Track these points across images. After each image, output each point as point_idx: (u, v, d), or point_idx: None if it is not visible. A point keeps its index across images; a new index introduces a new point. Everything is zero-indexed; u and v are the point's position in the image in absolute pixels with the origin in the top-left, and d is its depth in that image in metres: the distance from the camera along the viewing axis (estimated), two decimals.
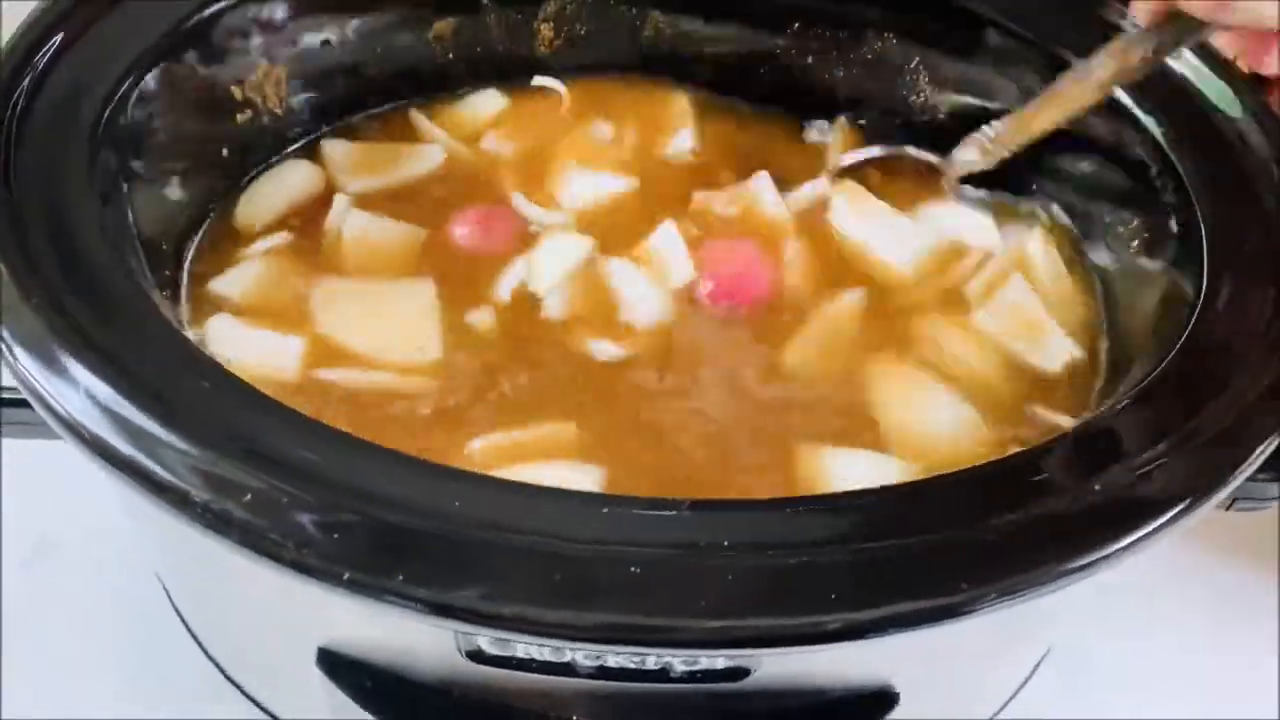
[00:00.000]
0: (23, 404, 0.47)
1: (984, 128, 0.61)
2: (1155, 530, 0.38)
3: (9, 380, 0.46)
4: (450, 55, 0.67)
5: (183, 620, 0.58)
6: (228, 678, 0.56)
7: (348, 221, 0.60)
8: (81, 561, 0.62)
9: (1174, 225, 0.54)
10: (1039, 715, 0.58)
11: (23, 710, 0.56)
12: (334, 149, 0.65)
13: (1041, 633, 0.56)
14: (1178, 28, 0.52)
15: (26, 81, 0.49)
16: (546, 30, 0.69)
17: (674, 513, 0.38)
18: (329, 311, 0.56)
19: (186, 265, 0.57)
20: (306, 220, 0.61)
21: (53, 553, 0.62)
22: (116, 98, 0.51)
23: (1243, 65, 0.56)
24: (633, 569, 0.36)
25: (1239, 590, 0.65)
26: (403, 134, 0.67)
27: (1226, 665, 0.62)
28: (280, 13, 0.61)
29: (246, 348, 0.53)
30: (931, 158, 0.64)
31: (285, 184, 0.62)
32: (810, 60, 0.69)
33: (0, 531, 0.62)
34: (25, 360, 0.39)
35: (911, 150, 0.65)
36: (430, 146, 0.66)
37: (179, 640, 0.57)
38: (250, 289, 0.57)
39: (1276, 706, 0.60)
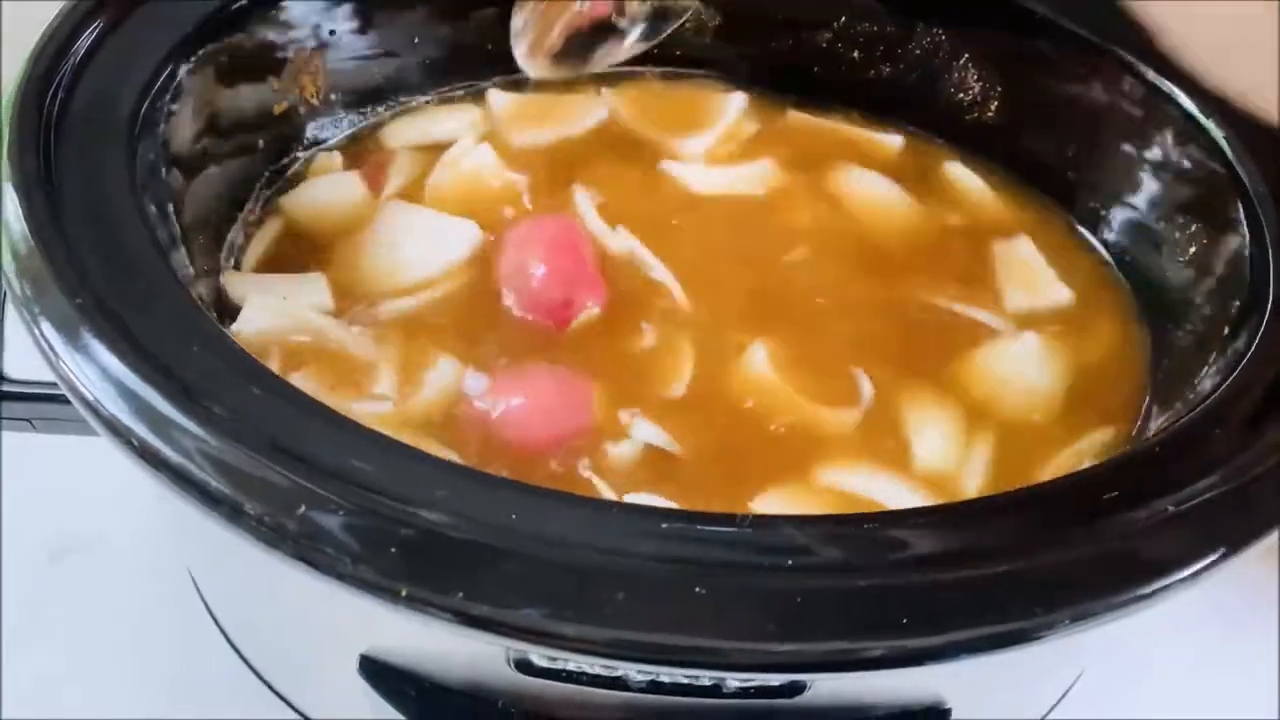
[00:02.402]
0: (54, 399, 0.47)
1: None
2: (1232, 551, 0.37)
3: (38, 374, 0.45)
4: (490, 46, 0.66)
5: (215, 621, 0.57)
6: (262, 680, 0.55)
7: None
8: (111, 559, 0.61)
9: (1239, 239, 0.52)
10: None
11: (51, 710, 0.55)
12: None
13: (1087, 649, 0.55)
14: None
15: (66, 71, 0.48)
16: None
17: (736, 529, 0.37)
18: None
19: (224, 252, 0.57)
20: None
21: (81, 550, 0.61)
22: (155, 87, 0.50)
23: None
24: (696, 589, 0.35)
25: (1239, 580, 0.64)
26: None
27: (1227, 655, 0.62)
28: (318, 2, 0.60)
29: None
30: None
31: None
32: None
33: (28, 528, 0.61)
34: (70, 361, 0.38)
35: None
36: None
37: (211, 641, 0.57)
38: None
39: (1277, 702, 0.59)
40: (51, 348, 0.39)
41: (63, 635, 0.57)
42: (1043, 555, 0.36)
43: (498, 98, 0.66)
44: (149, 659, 0.57)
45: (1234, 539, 0.37)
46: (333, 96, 0.62)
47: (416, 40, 0.65)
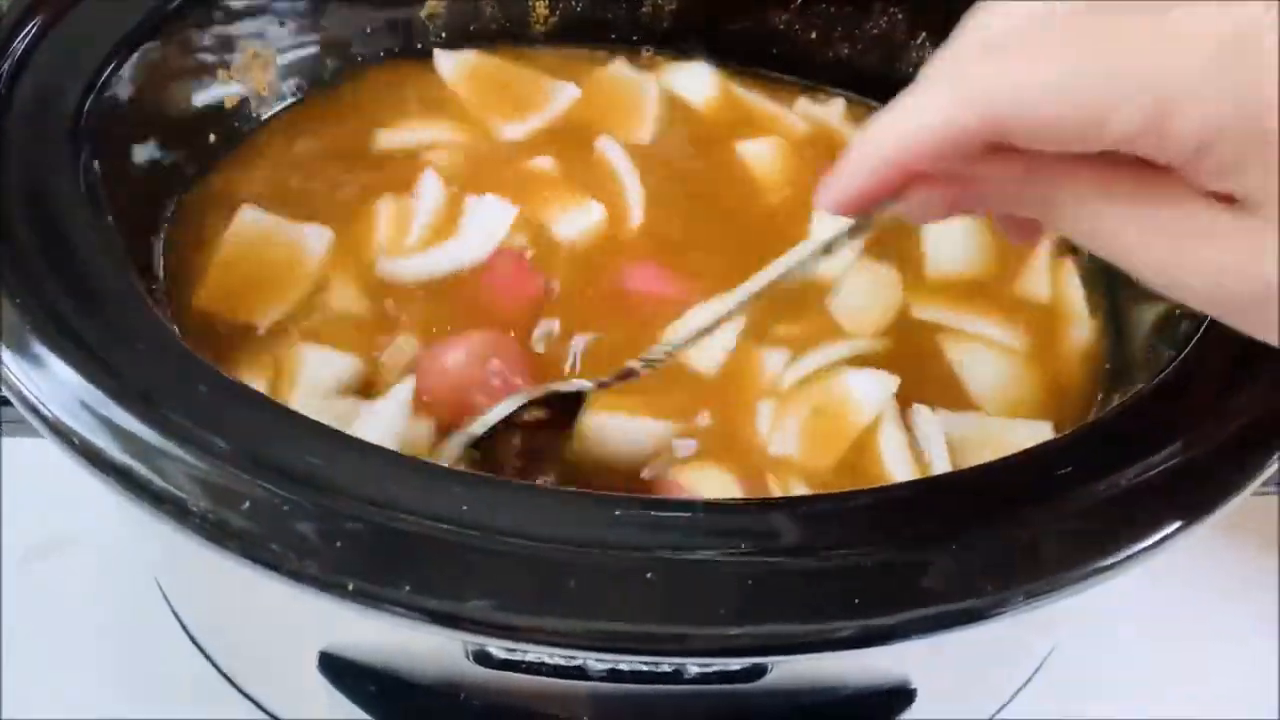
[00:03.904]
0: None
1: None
2: (1185, 525, 0.37)
3: None
4: (444, 33, 0.65)
5: (181, 623, 0.56)
6: (229, 680, 0.55)
7: None
8: (80, 562, 0.60)
9: None
10: (1047, 703, 0.57)
11: (20, 711, 0.54)
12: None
13: (1055, 625, 0.55)
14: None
15: (5, 69, 0.47)
16: (541, 7, 0.67)
17: (689, 514, 0.37)
18: None
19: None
20: None
21: (51, 553, 0.61)
22: (98, 85, 0.50)
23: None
24: (648, 575, 0.35)
25: (1240, 569, 0.64)
26: None
27: (1226, 641, 0.61)
28: None
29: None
30: None
31: None
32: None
33: None
34: (11, 362, 0.38)
35: None
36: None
37: (177, 642, 0.56)
38: None
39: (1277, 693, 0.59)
40: None
41: (30, 637, 0.57)
42: (997, 533, 0.36)
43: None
44: (116, 660, 0.57)
45: (1188, 512, 0.37)
46: (283, 87, 0.61)
47: (369, 30, 0.64)
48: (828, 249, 0.39)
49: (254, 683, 0.54)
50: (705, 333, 0.46)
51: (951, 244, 0.59)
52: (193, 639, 0.56)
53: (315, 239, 0.55)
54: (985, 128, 0.29)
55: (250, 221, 0.55)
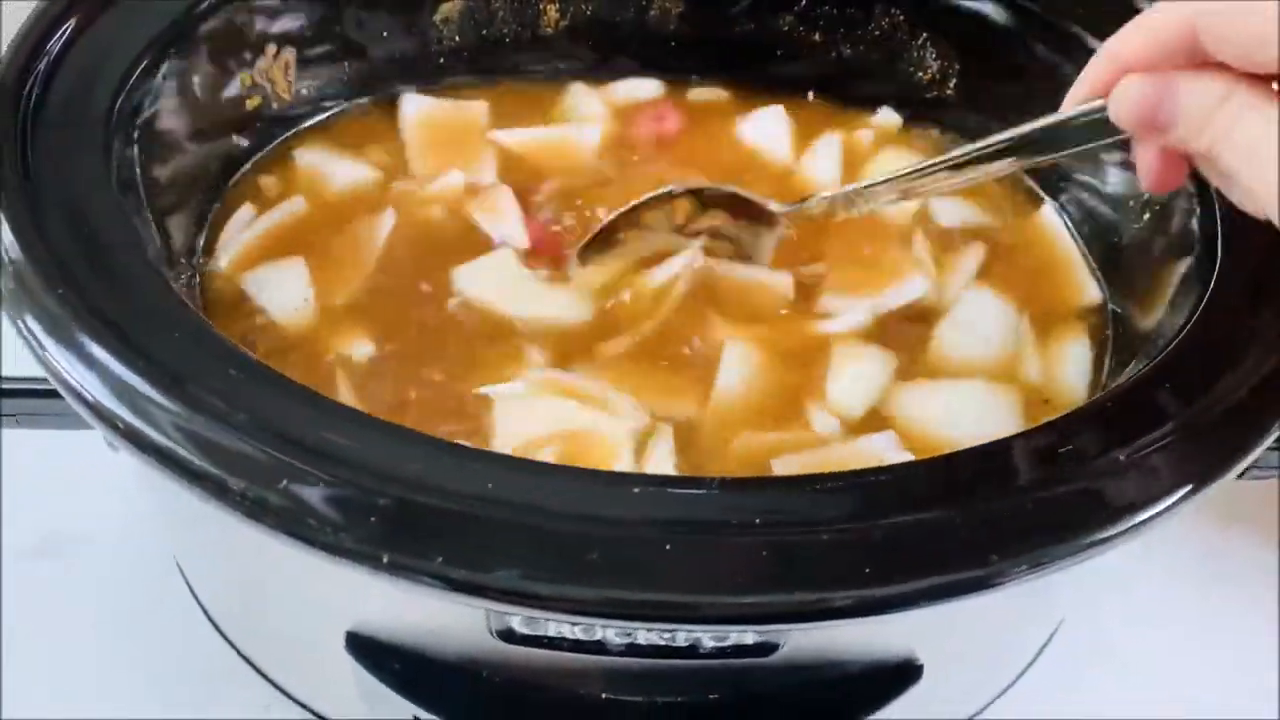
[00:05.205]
0: (32, 394, 0.48)
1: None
2: (1180, 500, 0.39)
3: (18, 370, 0.46)
4: (457, 39, 0.67)
5: (203, 609, 0.58)
6: (251, 664, 0.56)
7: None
8: (96, 555, 0.61)
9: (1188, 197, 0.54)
10: (1051, 684, 0.58)
11: (40, 708, 0.55)
12: None
13: (1059, 602, 0.57)
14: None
15: (40, 69, 0.49)
16: (552, 10, 0.69)
17: (704, 491, 0.39)
18: None
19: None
20: None
21: (64, 546, 0.62)
22: (129, 85, 0.51)
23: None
24: (666, 547, 0.36)
25: (1237, 556, 0.66)
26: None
27: (1224, 630, 0.63)
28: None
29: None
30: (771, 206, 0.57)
31: None
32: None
33: (8, 525, 0.62)
34: (55, 351, 0.39)
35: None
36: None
37: (199, 629, 0.58)
38: None
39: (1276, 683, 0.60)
40: (38, 340, 0.40)
41: (51, 632, 0.58)
42: (1000, 504, 0.38)
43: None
44: (138, 650, 0.58)
45: (1182, 487, 0.39)
46: (303, 91, 0.63)
47: (385, 35, 0.65)
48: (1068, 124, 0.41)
49: (277, 666, 0.55)
50: (905, 180, 0.49)
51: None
52: (215, 625, 0.58)
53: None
54: (1185, 30, 0.34)
55: None
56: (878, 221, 0.61)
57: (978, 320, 0.57)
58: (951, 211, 0.63)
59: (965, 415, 0.53)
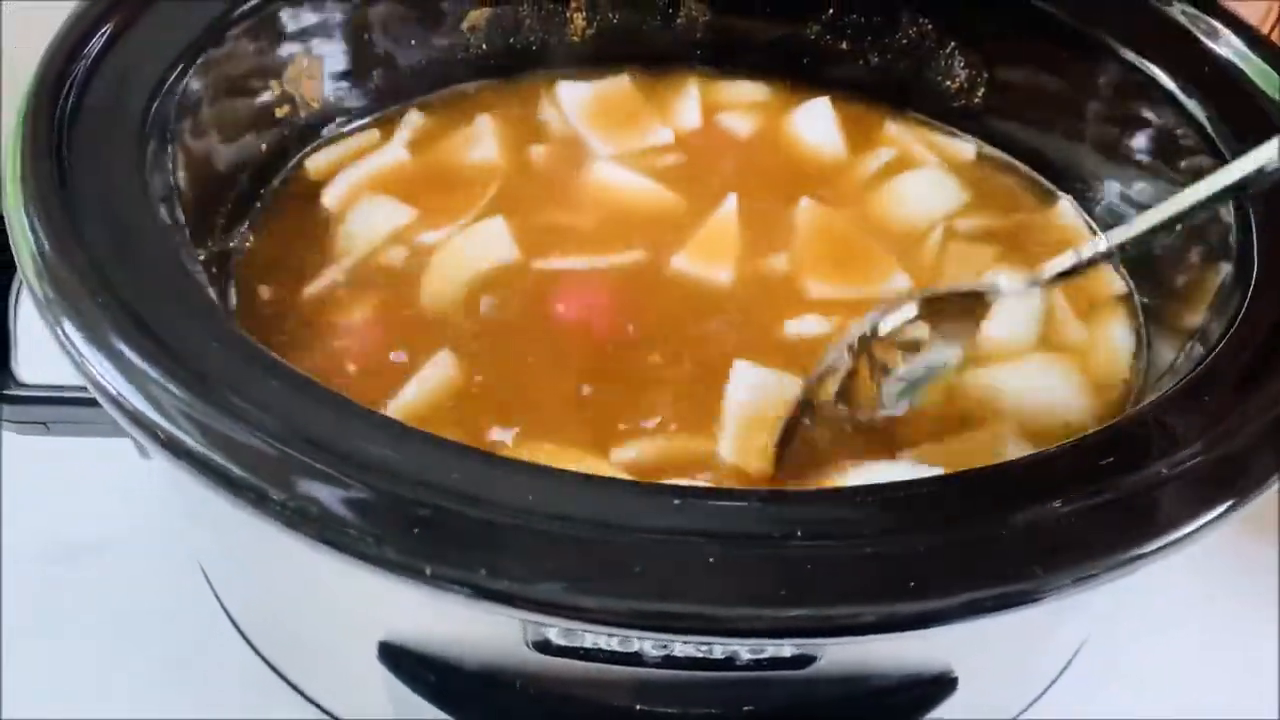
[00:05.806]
0: (71, 402, 0.48)
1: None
2: (1224, 512, 0.38)
3: (49, 378, 0.46)
4: (484, 46, 0.67)
5: (229, 616, 0.58)
6: (276, 671, 0.56)
7: None
8: (118, 560, 0.61)
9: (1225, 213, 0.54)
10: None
11: (63, 710, 0.55)
12: None
13: (1092, 613, 0.56)
14: None
15: (77, 74, 0.49)
16: (579, 19, 0.69)
17: (746, 503, 0.39)
18: None
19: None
20: None
21: (88, 552, 0.62)
22: (163, 91, 0.51)
23: None
24: (710, 559, 0.36)
25: (1238, 556, 0.66)
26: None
27: (1223, 628, 0.63)
28: (315, 7, 0.61)
29: None
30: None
31: None
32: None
33: (31, 531, 0.62)
34: (94, 360, 0.39)
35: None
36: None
37: (224, 636, 0.58)
38: None
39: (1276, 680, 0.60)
40: (76, 348, 0.40)
41: (74, 636, 0.58)
42: (1043, 518, 0.38)
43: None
44: (161, 656, 0.58)
45: (1225, 500, 0.39)
46: (331, 99, 0.63)
47: (413, 43, 0.65)
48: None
49: (304, 674, 0.55)
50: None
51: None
52: (242, 633, 0.58)
53: None
54: None
55: None
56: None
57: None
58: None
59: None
